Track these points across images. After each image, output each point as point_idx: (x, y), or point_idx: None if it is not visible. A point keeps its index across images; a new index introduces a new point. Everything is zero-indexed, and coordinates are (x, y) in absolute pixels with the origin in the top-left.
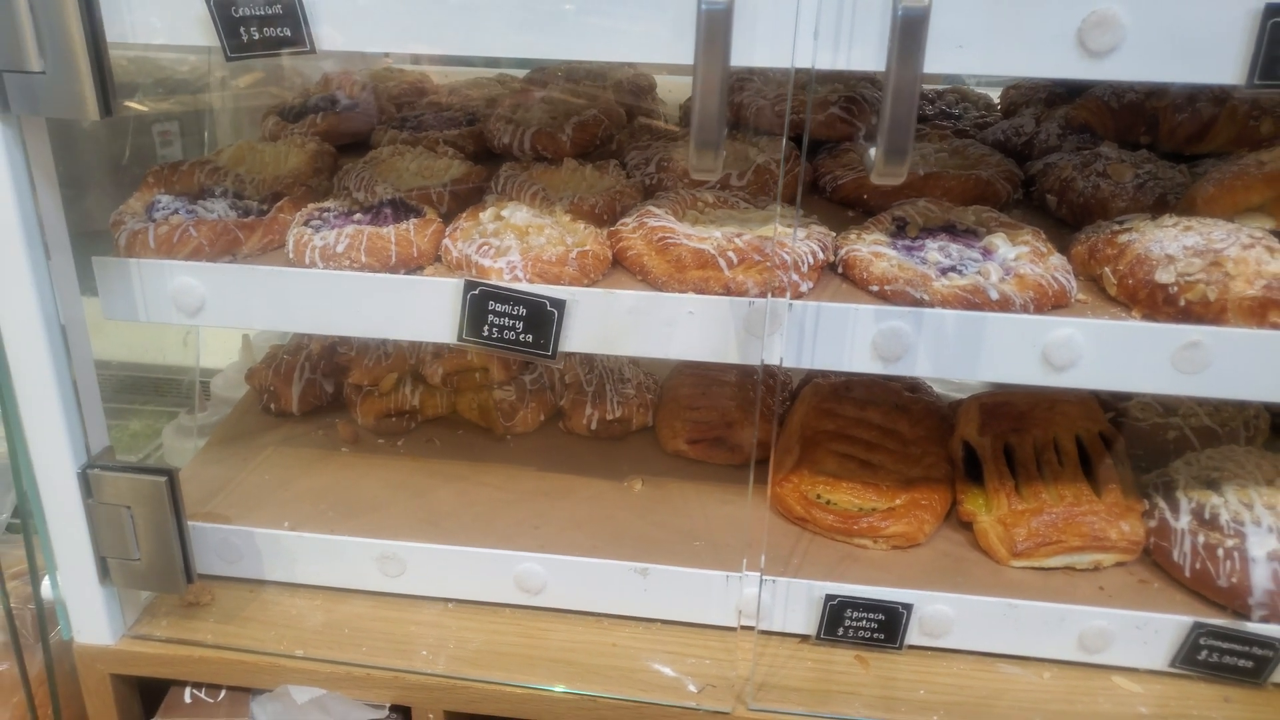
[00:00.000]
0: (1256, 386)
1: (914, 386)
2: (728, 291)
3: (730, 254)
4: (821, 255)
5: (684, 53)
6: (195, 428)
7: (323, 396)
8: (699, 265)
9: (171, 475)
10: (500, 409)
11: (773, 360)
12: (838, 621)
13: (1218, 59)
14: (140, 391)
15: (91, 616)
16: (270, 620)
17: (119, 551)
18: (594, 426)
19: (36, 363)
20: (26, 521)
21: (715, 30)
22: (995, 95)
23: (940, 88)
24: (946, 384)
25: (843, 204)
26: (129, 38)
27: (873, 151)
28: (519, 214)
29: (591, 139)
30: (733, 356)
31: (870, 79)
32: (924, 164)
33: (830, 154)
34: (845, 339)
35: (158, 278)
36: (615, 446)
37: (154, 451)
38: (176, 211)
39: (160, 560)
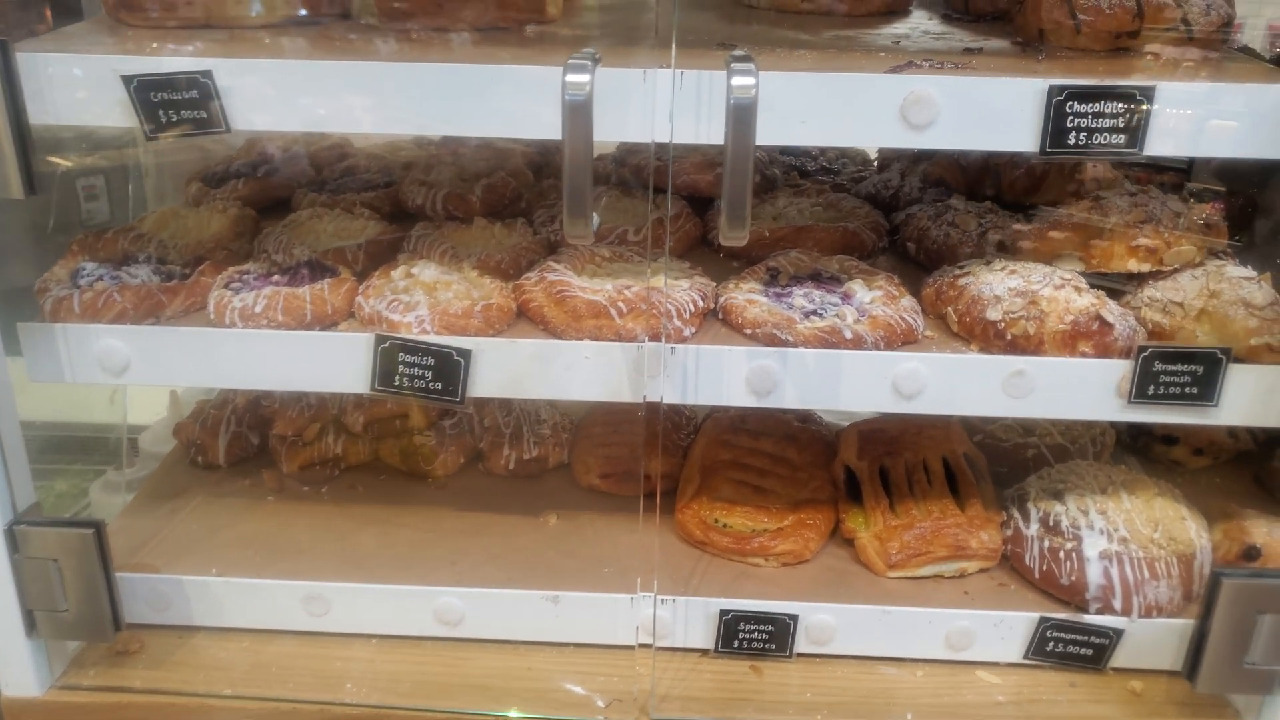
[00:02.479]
0: (1072, 406)
1: (805, 417)
2: (619, 338)
3: (620, 304)
4: (702, 303)
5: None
6: (123, 483)
7: (249, 448)
8: (593, 315)
9: (99, 527)
10: (421, 453)
11: (656, 398)
12: (733, 634)
13: (1016, 131)
14: (66, 451)
15: (19, 669)
16: (199, 664)
17: (46, 604)
18: (512, 466)
19: None
20: None
21: (578, 117)
22: (873, 151)
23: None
24: (838, 413)
25: (728, 256)
26: (51, 119)
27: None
28: (428, 271)
29: (500, 199)
30: (625, 396)
31: None
32: (800, 217)
33: (717, 208)
34: (722, 377)
35: (83, 341)
36: (532, 484)
37: (81, 510)
38: (101, 278)
39: (88, 611)
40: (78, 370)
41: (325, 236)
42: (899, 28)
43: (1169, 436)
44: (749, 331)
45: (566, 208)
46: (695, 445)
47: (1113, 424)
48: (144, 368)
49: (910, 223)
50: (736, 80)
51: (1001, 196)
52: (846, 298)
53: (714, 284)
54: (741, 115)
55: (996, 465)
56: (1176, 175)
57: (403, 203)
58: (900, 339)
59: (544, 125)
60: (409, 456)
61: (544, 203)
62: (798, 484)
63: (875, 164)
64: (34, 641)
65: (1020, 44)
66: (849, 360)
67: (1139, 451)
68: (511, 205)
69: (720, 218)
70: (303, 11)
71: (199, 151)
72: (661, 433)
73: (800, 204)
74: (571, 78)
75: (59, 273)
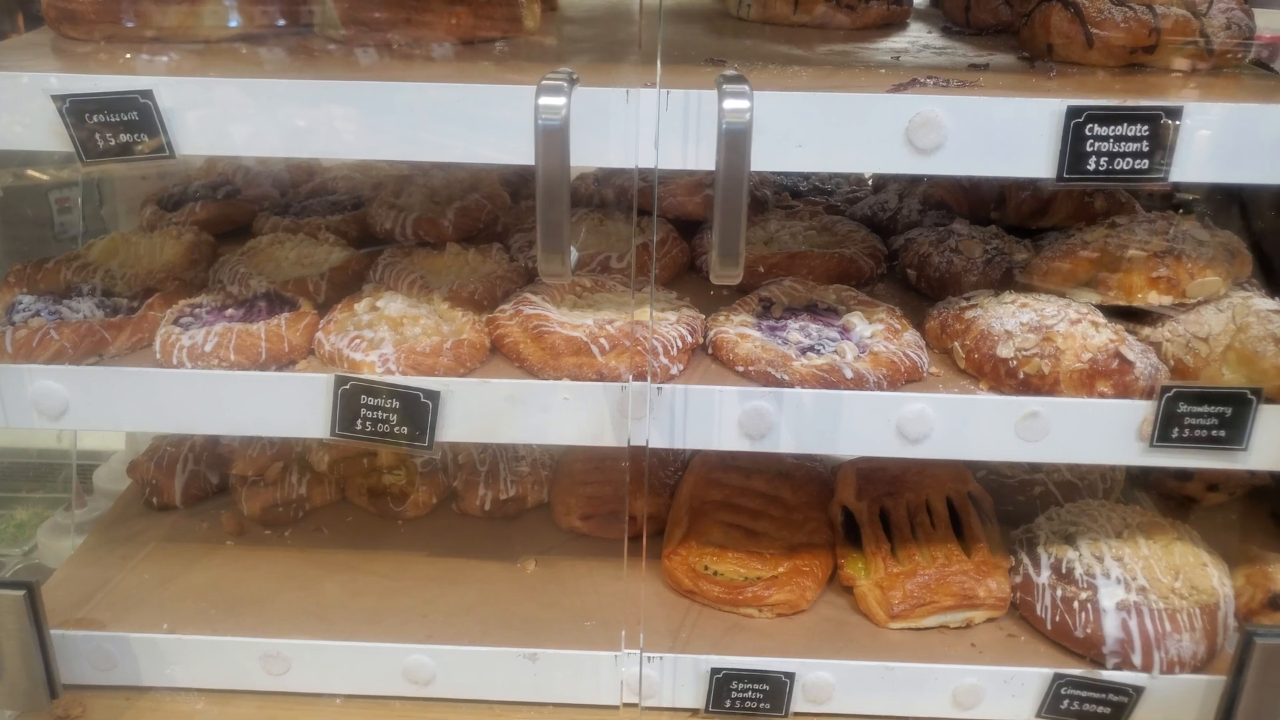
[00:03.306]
0: (1090, 450)
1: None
2: (600, 377)
3: (602, 340)
4: (690, 338)
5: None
6: (73, 525)
7: (207, 488)
8: (573, 352)
9: (30, 589)
10: (390, 494)
11: (641, 442)
12: (724, 694)
13: (1030, 156)
14: (25, 478)
15: None
16: None
17: None
18: (488, 507)
19: None
20: None
21: (553, 143)
22: (869, 171)
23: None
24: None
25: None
26: None
27: (709, 255)
28: (394, 304)
29: (474, 223)
30: (608, 440)
31: None
32: (794, 242)
33: (706, 233)
34: (713, 419)
35: (17, 382)
36: (509, 526)
37: (30, 552)
38: (38, 314)
39: (21, 677)
40: (10, 413)
41: (287, 264)
42: (898, 42)
43: (1183, 472)
44: (741, 369)
45: (541, 243)
46: (683, 484)
47: None
48: (84, 411)
49: (910, 248)
50: (729, 104)
51: (1007, 220)
52: (845, 332)
53: (703, 316)
54: (734, 142)
55: (1001, 503)
56: (1164, 196)
57: (371, 227)
58: (904, 377)
59: (514, 151)
60: (378, 497)
61: (521, 226)
62: (792, 526)
63: (870, 185)
64: None
65: (1027, 59)
66: (849, 401)
67: (1150, 487)
68: (487, 230)
69: (711, 254)
70: (265, 24)
71: (173, 164)
72: (646, 471)
73: (793, 227)
74: (545, 100)
75: None
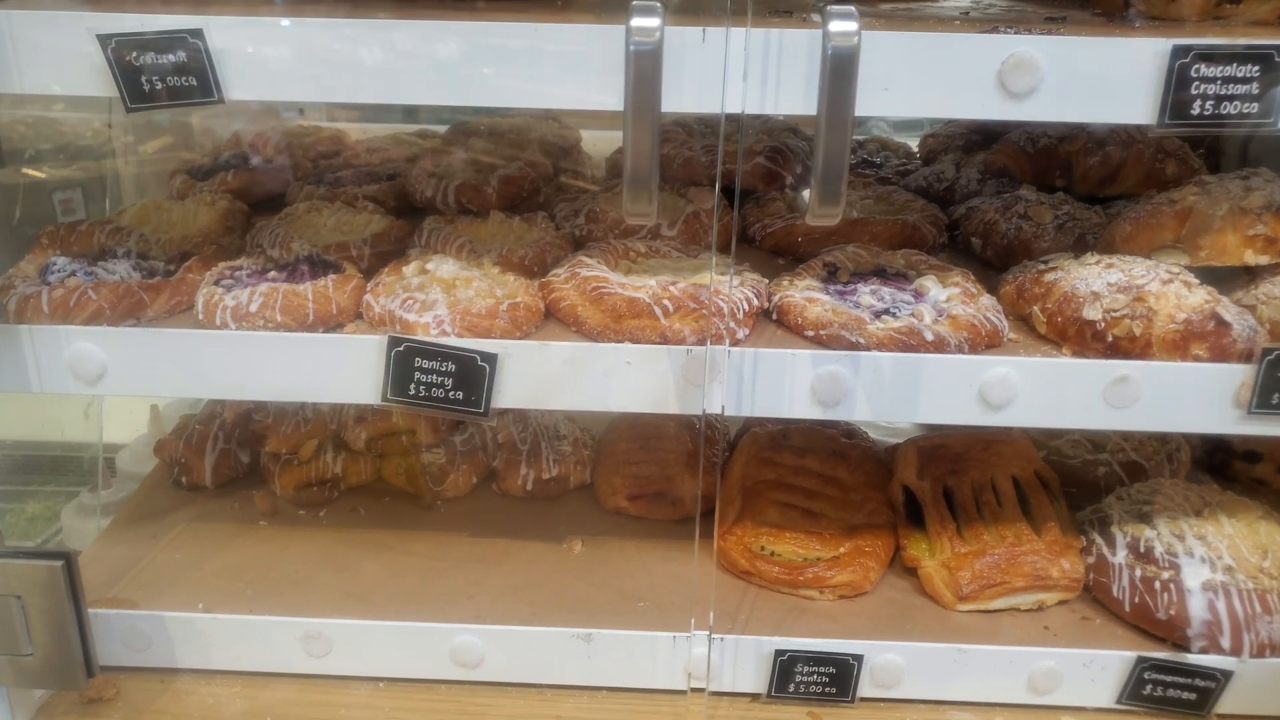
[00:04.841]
0: (1183, 418)
1: (850, 432)
2: (664, 340)
3: (666, 302)
4: (756, 302)
5: (614, 99)
6: (98, 506)
7: (238, 467)
8: (634, 314)
9: (69, 559)
10: (429, 473)
11: (714, 409)
12: (788, 677)
13: (1131, 100)
14: (38, 471)
15: None
16: (184, 713)
17: (8, 647)
18: (530, 487)
19: None
20: None
21: (645, 70)
22: (914, 144)
23: (861, 137)
24: (879, 429)
25: (772, 252)
26: (15, 87)
27: (807, 194)
28: (445, 266)
29: (518, 192)
30: (672, 406)
31: (793, 129)
32: (850, 210)
33: (757, 203)
34: (784, 385)
35: (52, 345)
36: (552, 506)
37: (54, 536)
38: (74, 274)
39: (56, 655)
40: (46, 378)
41: (325, 231)
42: (960, 1)
43: (1251, 453)
44: (811, 333)
45: (628, 179)
46: (733, 463)
47: (1186, 439)
48: (123, 375)
49: (974, 216)
50: (835, 26)
51: (1074, 189)
52: (919, 296)
53: (766, 281)
54: (841, 68)
55: (1064, 485)
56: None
57: (410, 196)
58: (984, 341)
59: (595, 91)
60: (416, 476)
61: (566, 195)
62: (850, 506)
63: (919, 158)
64: None
65: (1102, 15)
66: (930, 365)
67: (1216, 469)
68: (529, 199)
69: (811, 191)
70: None
71: (180, 160)
72: (702, 444)
73: (848, 195)
74: (639, 22)
75: (26, 269)
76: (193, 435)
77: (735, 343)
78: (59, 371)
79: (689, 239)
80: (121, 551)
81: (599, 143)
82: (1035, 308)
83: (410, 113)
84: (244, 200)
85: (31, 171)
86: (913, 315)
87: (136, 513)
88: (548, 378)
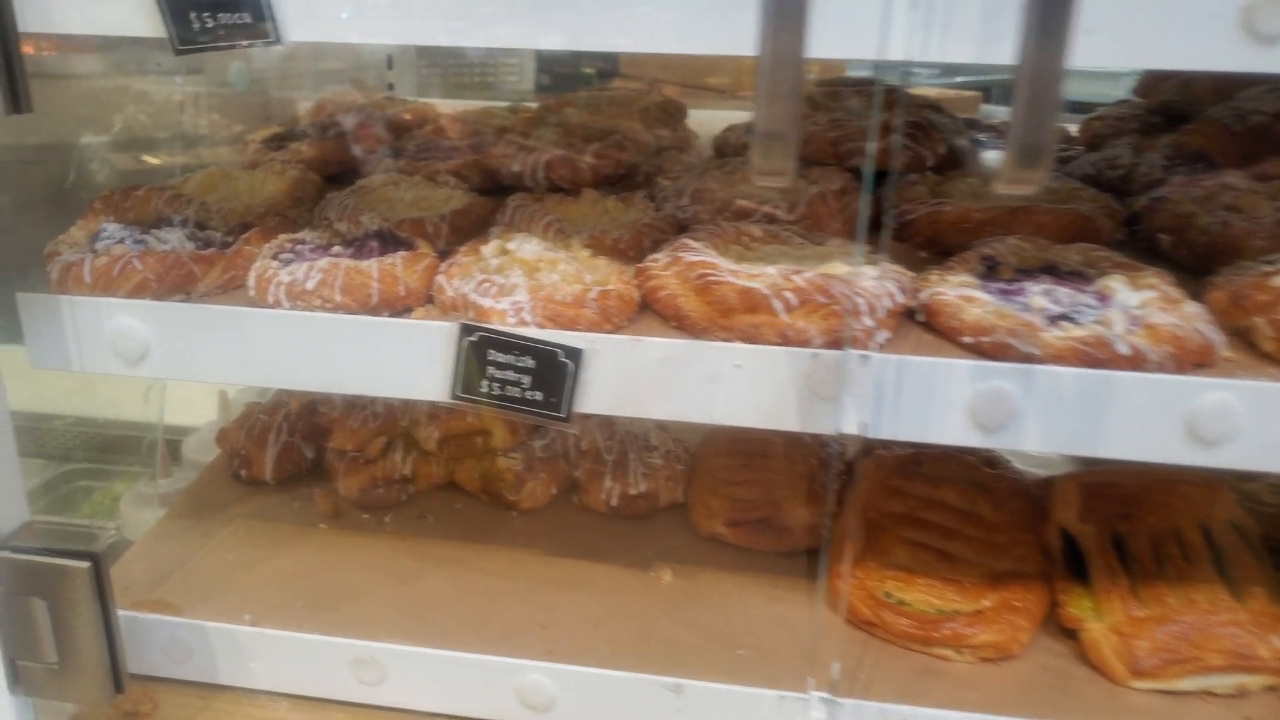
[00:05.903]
0: None
1: (992, 460)
2: (784, 340)
3: (788, 294)
4: (901, 298)
5: (743, 39)
6: (156, 496)
7: (301, 462)
8: (748, 308)
9: (96, 560)
10: (505, 480)
11: (845, 428)
12: None
13: None
14: (126, 450)
15: None
16: None
17: (31, 654)
18: (614, 502)
19: None
20: None
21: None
22: (1073, 128)
23: (998, 121)
24: (1026, 458)
25: (912, 243)
26: (50, 26)
27: (989, 155)
28: (528, 247)
29: (615, 167)
30: (790, 422)
31: (933, 105)
32: (1007, 197)
33: (894, 187)
34: (934, 402)
35: (93, 318)
36: (639, 526)
37: (116, 528)
38: (122, 241)
39: (83, 665)
40: (86, 355)
41: (401, 206)
42: None
43: None
44: (969, 340)
45: (761, 126)
46: (853, 491)
47: None
48: (166, 356)
49: (1162, 208)
50: None
51: None
52: (1103, 299)
53: (910, 274)
54: None
55: (1266, 540)
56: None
57: (495, 171)
58: (1193, 359)
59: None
60: (490, 482)
61: (668, 172)
62: (995, 550)
63: (1079, 142)
64: (18, 699)
65: None
66: (1123, 386)
67: None
68: (627, 177)
69: (1007, 150)
70: None
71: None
72: (799, 471)
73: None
74: None
75: (76, 235)
76: (255, 426)
77: (873, 347)
78: (100, 349)
79: (813, 224)
80: (171, 548)
81: (704, 123)
82: (1259, 319)
83: (502, 90)
84: (319, 172)
85: (150, 158)
86: (1099, 322)
87: (192, 506)
88: (641, 380)
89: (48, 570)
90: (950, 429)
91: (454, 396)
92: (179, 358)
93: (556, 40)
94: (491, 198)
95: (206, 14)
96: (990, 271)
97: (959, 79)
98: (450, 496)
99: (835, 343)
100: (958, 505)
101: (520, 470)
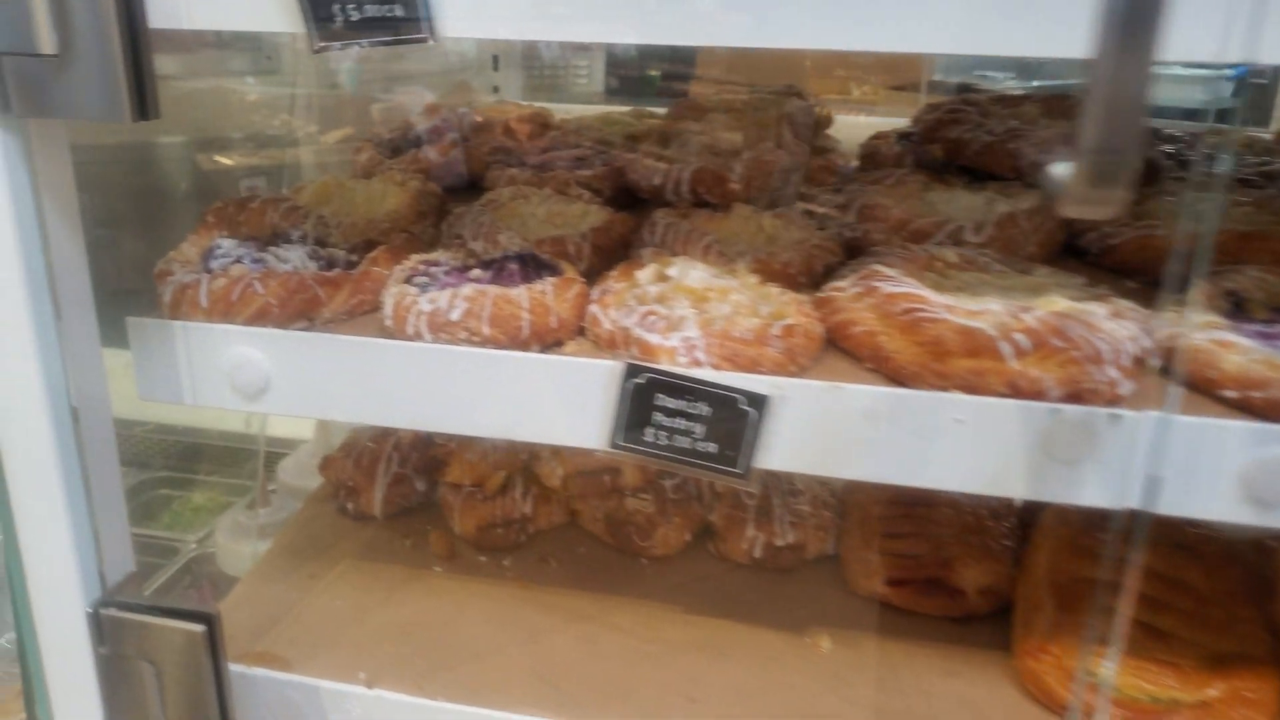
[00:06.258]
0: None
1: (1194, 519)
2: (1014, 391)
3: (1018, 336)
4: (1146, 343)
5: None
6: (255, 528)
7: (412, 495)
8: (969, 351)
9: (212, 623)
10: (634, 523)
11: (1088, 499)
12: None
13: None
14: (205, 459)
15: None
16: None
17: (137, 718)
18: (757, 554)
19: (35, 459)
20: (25, 665)
21: None
22: (1266, 134)
23: (1197, 127)
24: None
25: (1116, 271)
26: (180, 22)
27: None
28: (693, 273)
29: (766, 180)
30: (1017, 488)
31: None
32: (1226, 220)
33: None
34: (1199, 471)
35: (209, 347)
36: (785, 581)
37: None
38: (240, 260)
39: None
40: (200, 388)
41: (534, 223)
42: None
43: None
44: (1232, 393)
45: (1092, 144)
46: (1035, 552)
47: None
48: (289, 391)
49: None
50: None
51: None
52: None
53: (1145, 312)
54: None
55: None
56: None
57: (633, 183)
58: None
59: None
60: (618, 526)
61: (823, 187)
62: (1212, 627)
63: None
64: None
65: None
66: None
67: None
68: (779, 190)
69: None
70: None
71: (364, 153)
72: (970, 524)
73: (1208, 200)
74: None
75: (187, 251)
76: (363, 455)
77: (1117, 400)
78: (215, 381)
79: (1004, 247)
80: (275, 591)
81: (848, 128)
82: None
83: (571, 93)
84: (435, 182)
85: (222, 159)
86: None
87: (295, 542)
88: (837, 434)
89: (158, 632)
90: (1217, 503)
91: (613, 445)
92: (303, 393)
93: (772, 38)
94: (630, 213)
95: (351, 4)
96: (1237, 310)
97: None
98: (571, 538)
99: (1074, 396)
100: (1164, 571)
101: (651, 513)
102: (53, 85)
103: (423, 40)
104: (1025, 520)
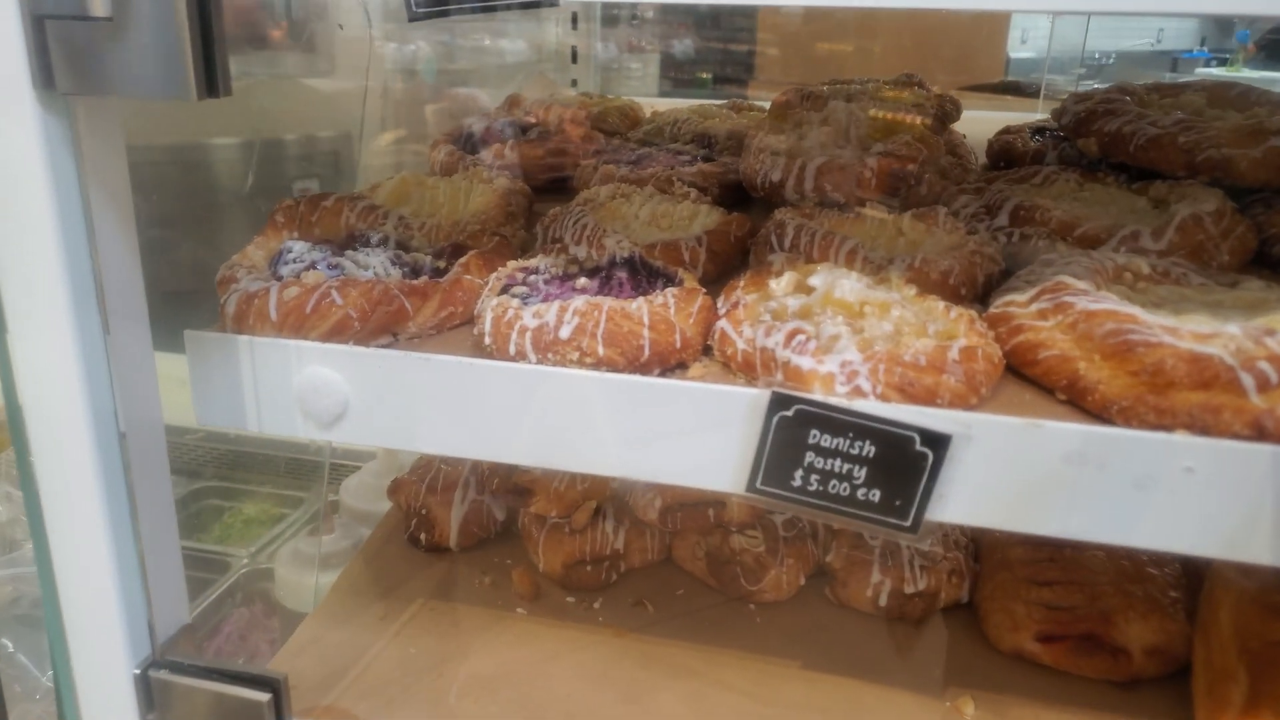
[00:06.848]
0: None
1: None
2: (1257, 433)
3: (1264, 365)
4: None
5: None
6: (318, 557)
7: (490, 525)
8: (1199, 383)
9: (277, 689)
10: (741, 563)
11: None
12: None
13: None
14: (258, 469)
15: None
16: None
17: None
18: (883, 601)
19: (76, 493)
20: None
21: None
22: None
23: None
24: None
25: None
26: None
27: None
28: (843, 284)
29: (901, 177)
30: (1260, 552)
31: None
32: None
33: (1271, 206)
34: None
35: (280, 366)
36: (916, 635)
37: (267, 547)
38: (313, 266)
39: None
40: (267, 413)
41: (638, 225)
42: None
43: None
44: None
45: None
46: (1212, 608)
47: None
48: (370, 418)
49: None
50: None
51: None
52: None
53: None
54: None
55: None
56: None
57: (747, 180)
58: None
59: None
60: (721, 566)
61: (963, 186)
62: None
63: None
64: None
65: None
66: None
67: None
68: (913, 188)
69: None
70: None
71: (416, 155)
72: (1128, 571)
73: None
74: None
75: (254, 255)
76: (437, 479)
77: None
78: (285, 405)
79: (1190, 255)
80: (343, 636)
81: (971, 122)
82: None
83: (669, 95)
84: (525, 180)
85: (276, 159)
86: None
87: (363, 578)
88: (1033, 481)
89: (216, 699)
90: None
91: (751, 489)
92: (386, 421)
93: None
94: (744, 213)
95: None
96: None
97: None
98: (667, 577)
99: None
100: None
101: (760, 553)
102: (105, 55)
103: (548, 4)
104: (1190, 569)
